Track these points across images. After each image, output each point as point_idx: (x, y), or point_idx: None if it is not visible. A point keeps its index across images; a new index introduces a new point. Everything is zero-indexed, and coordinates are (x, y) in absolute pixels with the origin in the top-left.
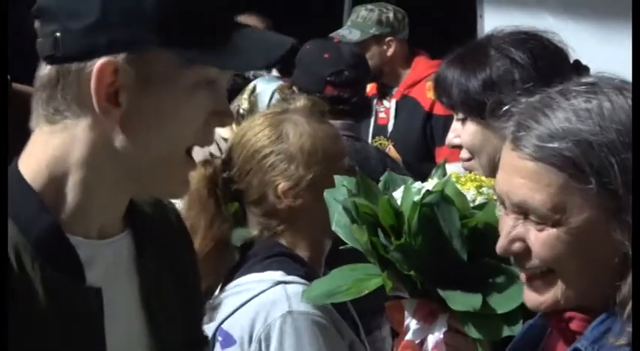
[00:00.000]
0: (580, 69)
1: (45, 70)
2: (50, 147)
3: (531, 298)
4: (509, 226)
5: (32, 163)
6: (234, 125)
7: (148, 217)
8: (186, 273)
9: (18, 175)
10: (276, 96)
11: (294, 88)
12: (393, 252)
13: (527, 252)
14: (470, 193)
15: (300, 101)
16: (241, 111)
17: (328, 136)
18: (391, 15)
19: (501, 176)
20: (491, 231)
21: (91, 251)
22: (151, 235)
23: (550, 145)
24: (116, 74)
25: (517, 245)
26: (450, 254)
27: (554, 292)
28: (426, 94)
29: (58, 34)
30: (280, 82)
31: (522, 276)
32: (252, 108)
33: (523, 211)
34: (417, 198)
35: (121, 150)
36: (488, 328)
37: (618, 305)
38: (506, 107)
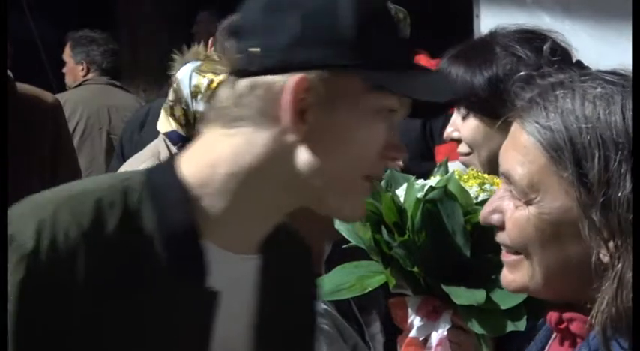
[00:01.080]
0: (582, 69)
1: (232, 81)
2: (220, 148)
3: (503, 276)
4: (496, 196)
5: (195, 160)
6: (173, 121)
7: (280, 246)
8: (298, 312)
9: (173, 170)
10: (195, 76)
11: None
12: (396, 248)
13: (503, 225)
14: (472, 190)
15: None
16: (169, 103)
17: None
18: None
19: (504, 144)
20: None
21: (219, 260)
22: (277, 266)
23: (543, 121)
24: (308, 92)
25: (496, 217)
26: (454, 250)
27: (522, 275)
28: None
29: (254, 49)
30: (197, 63)
31: (503, 252)
32: (178, 96)
33: (509, 182)
34: (420, 195)
35: (299, 165)
36: (492, 324)
37: (591, 317)
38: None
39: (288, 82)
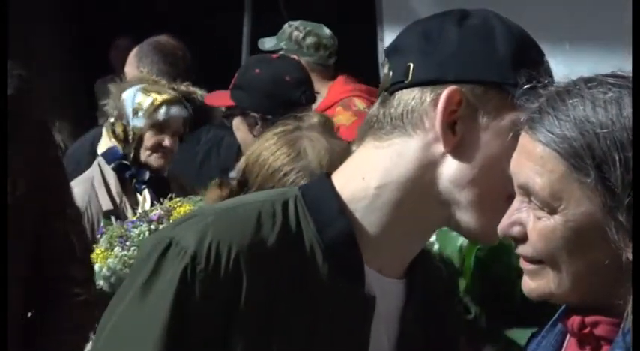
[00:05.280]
0: None
1: (384, 97)
2: (372, 161)
3: (525, 283)
4: (513, 208)
5: (347, 174)
6: (113, 139)
7: (425, 269)
8: (441, 331)
9: (325, 180)
10: (139, 94)
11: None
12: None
13: (525, 237)
14: None
15: (313, 119)
16: (111, 119)
17: (344, 151)
18: (301, 35)
19: (514, 156)
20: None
21: (371, 281)
22: (421, 290)
23: (558, 131)
24: (460, 104)
25: (517, 229)
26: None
27: (547, 282)
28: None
29: (410, 64)
30: (142, 84)
31: (521, 259)
32: (120, 113)
33: (527, 194)
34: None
35: (446, 178)
36: None
37: (626, 315)
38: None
39: (442, 93)
